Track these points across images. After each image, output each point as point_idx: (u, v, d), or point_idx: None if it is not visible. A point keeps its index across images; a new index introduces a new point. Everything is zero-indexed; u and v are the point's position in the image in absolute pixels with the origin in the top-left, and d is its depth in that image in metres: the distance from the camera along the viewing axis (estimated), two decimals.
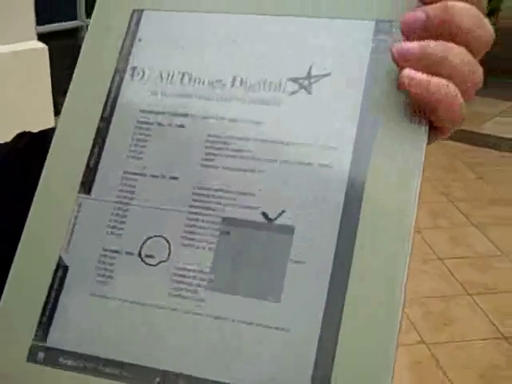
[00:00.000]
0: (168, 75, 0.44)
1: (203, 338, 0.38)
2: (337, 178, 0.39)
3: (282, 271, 0.38)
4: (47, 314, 0.41)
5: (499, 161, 3.81)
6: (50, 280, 0.41)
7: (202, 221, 0.40)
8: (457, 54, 0.37)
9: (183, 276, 0.40)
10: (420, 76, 0.38)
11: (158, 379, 0.38)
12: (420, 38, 0.38)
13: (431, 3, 0.38)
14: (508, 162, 3.76)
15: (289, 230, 0.39)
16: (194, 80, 0.43)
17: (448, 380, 2.04)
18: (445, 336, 2.26)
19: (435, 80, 0.38)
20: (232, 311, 0.38)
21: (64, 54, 2.78)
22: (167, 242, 0.40)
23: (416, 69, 0.38)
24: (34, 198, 0.44)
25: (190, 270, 0.40)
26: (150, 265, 0.40)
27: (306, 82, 0.41)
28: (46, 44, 2.19)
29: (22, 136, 0.55)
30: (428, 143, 0.39)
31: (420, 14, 0.38)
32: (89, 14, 3.87)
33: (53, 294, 0.41)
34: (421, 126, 0.39)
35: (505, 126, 4.17)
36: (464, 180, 3.56)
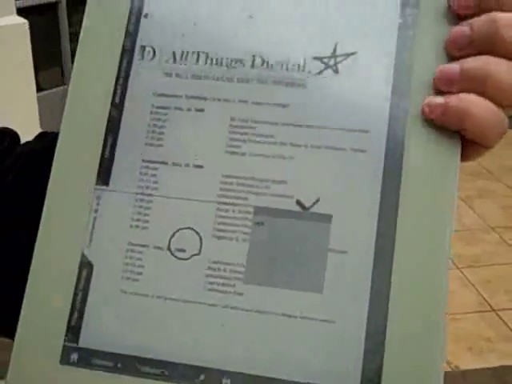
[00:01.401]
0: (182, 54, 0.41)
1: (244, 333, 0.37)
2: (372, 163, 0.38)
3: (322, 261, 0.37)
4: (76, 314, 0.39)
5: None
6: (75, 279, 0.40)
7: (233, 211, 0.39)
8: (503, 69, 0.36)
9: (218, 269, 0.38)
10: (436, 101, 0.37)
11: (202, 377, 0.37)
12: (466, 53, 0.37)
13: (474, 15, 0.37)
14: None
15: (326, 219, 0.38)
16: (211, 59, 0.41)
17: None
18: None
19: (453, 100, 0.36)
20: (272, 304, 0.37)
21: (44, 29, 2.73)
22: (197, 234, 0.39)
23: (458, 91, 0.37)
24: (47, 195, 0.41)
25: (225, 263, 0.38)
26: (182, 259, 0.39)
27: (331, 61, 0.39)
28: (26, 19, 2.15)
29: (43, 136, 0.51)
30: (470, 158, 0.38)
31: (465, 28, 0.37)
32: None
33: (80, 294, 0.39)
34: None
35: None
36: None
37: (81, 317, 0.39)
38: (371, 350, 0.36)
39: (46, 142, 0.48)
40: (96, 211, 0.40)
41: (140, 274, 0.39)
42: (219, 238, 0.38)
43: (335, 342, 0.36)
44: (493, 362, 1.99)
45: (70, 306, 0.39)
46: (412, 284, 0.36)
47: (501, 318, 2.19)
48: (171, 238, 0.39)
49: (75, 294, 0.39)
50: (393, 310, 0.36)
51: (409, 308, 0.36)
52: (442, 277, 0.36)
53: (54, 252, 0.40)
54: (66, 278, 0.40)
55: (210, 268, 0.38)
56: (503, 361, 1.98)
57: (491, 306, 2.25)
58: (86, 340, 0.39)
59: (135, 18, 0.42)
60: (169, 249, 0.39)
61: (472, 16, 0.37)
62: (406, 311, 0.36)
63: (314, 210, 0.38)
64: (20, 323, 0.40)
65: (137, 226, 0.40)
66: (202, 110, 0.40)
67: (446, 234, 0.36)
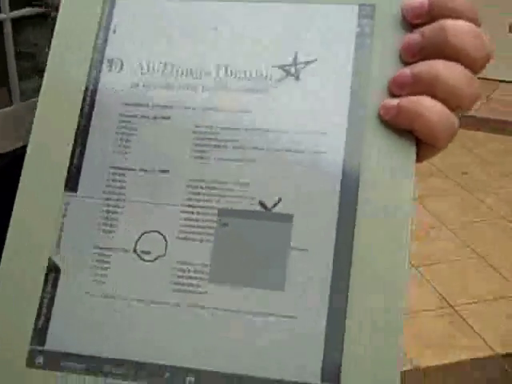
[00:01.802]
0: (148, 65, 0.43)
1: (209, 331, 0.38)
2: (331, 165, 0.39)
3: (283, 259, 0.38)
4: (43, 317, 0.40)
5: None
6: (42, 283, 0.40)
7: (198, 213, 0.40)
8: (451, 72, 0.38)
9: (183, 270, 0.39)
10: (391, 103, 0.39)
11: (167, 375, 0.38)
12: (418, 59, 0.39)
13: (426, 24, 0.39)
14: None
15: (287, 218, 0.39)
16: (177, 70, 0.43)
17: None
18: None
19: (405, 102, 0.38)
20: (236, 302, 0.38)
21: None
22: (163, 236, 0.40)
23: (411, 94, 0.38)
24: (16, 201, 0.42)
25: (189, 264, 0.39)
26: (148, 260, 0.40)
27: (292, 69, 0.41)
28: None
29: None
30: (424, 158, 0.40)
31: (416, 35, 0.39)
32: None
33: (47, 297, 0.40)
34: None
35: None
36: None
37: (47, 320, 0.40)
38: (331, 345, 0.37)
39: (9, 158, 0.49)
40: (64, 217, 0.41)
41: (106, 276, 0.40)
42: (184, 239, 0.39)
43: (297, 337, 0.37)
44: (453, 358, 2.02)
45: (36, 310, 0.40)
46: (371, 280, 0.37)
47: (459, 314, 2.23)
48: (137, 240, 0.40)
49: (42, 298, 0.40)
50: (352, 305, 0.37)
51: (368, 304, 0.37)
52: (400, 273, 0.37)
53: (21, 256, 0.41)
54: (33, 282, 0.40)
55: (175, 268, 0.39)
56: (464, 356, 2.02)
57: (449, 303, 2.28)
58: (52, 343, 0.39)
59: (103, 32, 0.44)
60: (135, 251, 0.40)
61: (424, 24, 0.39)
62: (365, 307, 0.37)
63: (276, 210, 0.39)
64: None
65: (104, 231, 0.40)
66: (167, 118, 0.42)
67: (404, 230, 0.38)
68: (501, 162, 3.33)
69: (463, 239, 2.67)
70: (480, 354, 2.03)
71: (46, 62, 0.44)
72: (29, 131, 0.43)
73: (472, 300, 2.29)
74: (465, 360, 2.00)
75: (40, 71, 0.44)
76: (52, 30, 0.44)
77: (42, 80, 0.43)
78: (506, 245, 2.62)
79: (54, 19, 0.44)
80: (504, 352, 2.04)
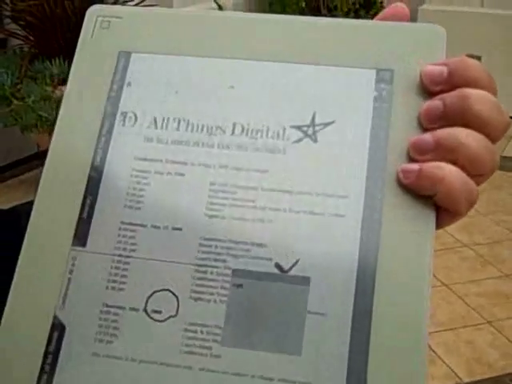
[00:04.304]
0: (163, 121, 0.42)
1: None
2: (350, 228, 0.39)
3: (300, 323, 0.37)
4: (45, 376, 0.38)
5: None
6: (45, 341, 0.39)
7: (211, 273, 0.39)
8: (473, 140, 0.38)
9: (195, 332, 0.38)
10: (411, 167, 0.39)
11: None
12: (438, 125, 0.39)
13: (447, 91, 0.39)
14: None
15: (305, 281, 0.38)
16: (192, 126, 0.42)
17: None
18: None
19: (427, 166, 0.38)
20: (251, 367, 0.37)
21: None
22: (175, 296, 0.39)
23: (432, 160, 0.38)
24: (21, 253, 0.41)
25: (202, 325, 0.38)
26: (158, 320, 0.38)
27: (310, 130, 0.41)
28: None
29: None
30: (442, 225, 0.39)
31: (437, 102, 0.39)
32: None
33: (50, 357, 0.38)
34: None
35: None
36: None
37: (50, 381, 0.38)
38: None
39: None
40: (71, 272, 0.40)
41: (114, 336, 0.38)
42: (196, 299, 0.38)
43: None
44: None
45: (38, 370, 0.38)
46: (390, 347, 0.36)
47: None
48: (148, 299, 0.39)
49: (45, 356, 0.38)
50: (371, 373, 0.36)
51: (387, 371, 0.36)
52: (420, 340, 0.36)
53: (25, 312, 0.39)
54: (36, 340, 0.39)
55: (186, 330, 0.38)
56: None
57: None
58: None
59: (118, 85, 0.43)
60: (145, 310, 0.39)
61: (442, 91, 0.39)
62: (385, 374, 0.36)
63: (293, 272, 0.38)
64: None
65: (113, 288, 0.39)
66: (182, 175, 0.41)
67: (423, 294, 0.37)
68: None
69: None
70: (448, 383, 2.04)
71: None
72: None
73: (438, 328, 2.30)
74: None
75: None
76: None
77: None
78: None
79: None
80: (469, 380, 2.05)
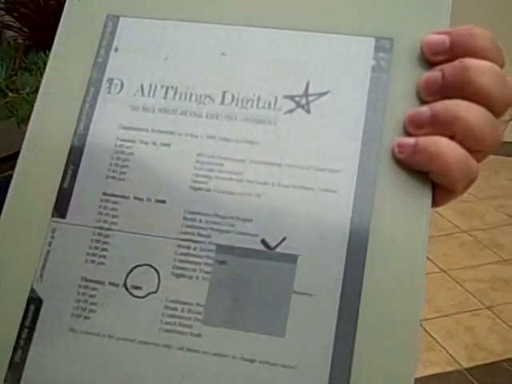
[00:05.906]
0: (150, 89, 0.40)
1: (201, 377, 0.35)
2: (341, 204, 0.37)
3: (285, 303, 0.36)
4: (20, 352, 0.37)
5: None
6: (21, 315, 0.37)
7: (195, 248, 0.37)
8: (472, 113, 0.36)
9: (176, 309, 0.36)
10: (407, 141, 0.37)
11: None
12: (437, 97, 0.37)
13: (447, 62, 0.37)
14: None
15: (291, 259, 0.36)
16: (180, 94, 0.40)
17: None
18: None
19: (423, 141, 0.36)
20: (232, 347, 0.35)
21: None
22: (156, 271, 0.37)
23: (428, 134, 0.36)
24: None
25: (183, 303, 0.36)
26: (138, 297, 0.37)
27: (303, 100, 0.39)
28: None
29: None
30: (438, 203, 0.38)
31: (436, 73, 0.37)
32: None
33: (25, 331, 0.37)
34: None
35: None
36: None
37: (24, 356, 0.37)
38: None
39: None
40: (50, 244, 0.38)
41: (92, 311, 0.37)
42: (178, 275, 0.37)
43: None
44: (419, 372, 2.02)
45: (13, 344, 0.37)
46: (379, 331, 0.35)
47: (423, 327, 2.23)
48: (128, 274, 0.37)
49: (20, 331, 0.37)
50: (358, 357, 0.34)
51: (375, 356, 0.34)
52: (411, 322, 0.35)
53: (2, 285, 0.38)
54: (12, 313, 0.37)
55: (166, 307, 0.36)
56: (429, 370, 2.02)
57: None
58: (28, 380, 0.36)
59: (105, 50, 0.41)
60: (125, 285, 0.37)
61: (444, 62, 0.37)
62: (372, 359, 0.34)
63: (280, 249, 0.36)
64: None
65: (92, 262, 0.38)
66: (168, 145, 0.39)
67: (417, 275, 0.35)
68: None
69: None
70: (447, 368, 2.03)
71: None
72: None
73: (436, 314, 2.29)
74: (431, 374, 2.00)
75: None
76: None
77: None
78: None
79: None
80: (468, 365, 2.04)
